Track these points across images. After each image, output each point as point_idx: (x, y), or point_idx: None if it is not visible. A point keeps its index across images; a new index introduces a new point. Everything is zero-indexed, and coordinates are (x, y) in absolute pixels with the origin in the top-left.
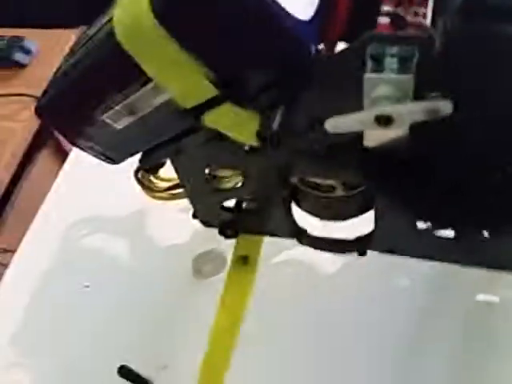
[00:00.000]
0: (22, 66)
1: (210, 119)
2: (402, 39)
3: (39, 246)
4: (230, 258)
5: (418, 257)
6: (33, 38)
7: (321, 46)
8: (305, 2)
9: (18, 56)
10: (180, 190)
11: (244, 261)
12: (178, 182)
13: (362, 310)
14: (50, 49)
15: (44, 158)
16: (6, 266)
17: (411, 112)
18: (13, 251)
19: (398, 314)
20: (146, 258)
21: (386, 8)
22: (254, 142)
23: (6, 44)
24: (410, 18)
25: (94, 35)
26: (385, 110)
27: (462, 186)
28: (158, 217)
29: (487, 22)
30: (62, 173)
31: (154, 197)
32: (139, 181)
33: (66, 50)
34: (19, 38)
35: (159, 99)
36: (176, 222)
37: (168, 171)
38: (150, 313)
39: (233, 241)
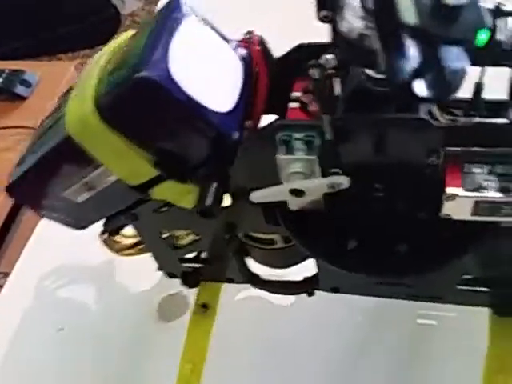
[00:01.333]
0: (23, 98)
1: (157, 193)
2: (304, 126)
3: (19, 291)
4: (192, 301)
5: (359, 294)
6: (32, 70)
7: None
8: (223, 97)
9: (19, 89)
10: (143, 247)
11: (204, 308)
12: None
13: (314, 339)
14: (49, 81)
15: None
16: None
17: (317, 187)
18: None
19: (342, 342)
20: (115, 303)
21: (295, 94)
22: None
23: (7, 77)
24: (311, 107)
25: (50, 127)
26: (296, 186)
27: (373, 236)
28: (127, 265)
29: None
30: (40, 224)
31: (122, 254)
32: (105, 242)
33: (65, 81)
34: (20, 71)
35: (112, 178)
36: (143, 270)
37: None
38: (119, 355)
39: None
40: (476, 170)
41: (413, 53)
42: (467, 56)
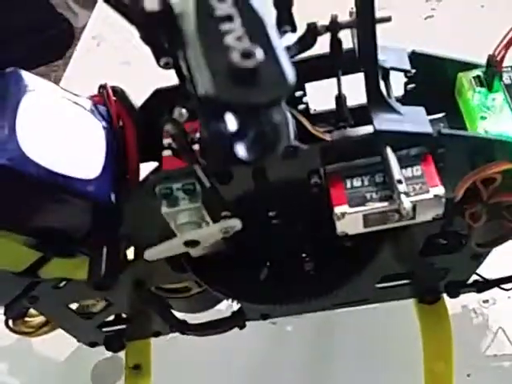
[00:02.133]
0: None
1: (46, 273)
2: (182, 175)
3: None
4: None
5: (289, 315)
6: None
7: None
8: (91, 161)
9: None
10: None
11: (137, 370)
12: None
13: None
14: None
15: None
16: None
17: (210, 234)
18: None
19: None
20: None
21: (166, 141)
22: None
23: None
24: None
25: None
26: (189, 237)
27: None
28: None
29: None
30: None
31: (35, 336)
32: (13, 330)
33: None
34: None
35: None
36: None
37: None
38: None
39: None
40: (357, 183)
41: (228, 119)
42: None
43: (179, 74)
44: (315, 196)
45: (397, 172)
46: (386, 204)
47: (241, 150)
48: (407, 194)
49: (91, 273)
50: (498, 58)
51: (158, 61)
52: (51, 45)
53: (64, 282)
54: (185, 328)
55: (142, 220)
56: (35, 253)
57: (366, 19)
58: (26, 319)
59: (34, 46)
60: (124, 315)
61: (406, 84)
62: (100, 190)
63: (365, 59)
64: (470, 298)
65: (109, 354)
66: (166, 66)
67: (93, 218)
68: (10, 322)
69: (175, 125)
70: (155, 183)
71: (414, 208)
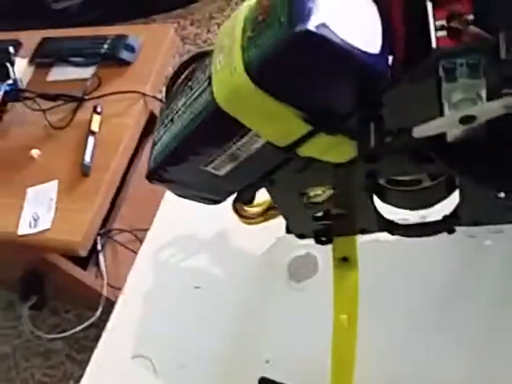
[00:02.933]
0: (128, 63)
1: (306, 150)
2: (467, 50)
3: (154, 252)
4: (320, 262)
5: (499, 223)
6: (135, 34)
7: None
8: (371, 38)
9: (124, 54)
10: (272, 212)
11: (345, 261)
12: (268, 205)
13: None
14: (151, 45)
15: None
16: None
17: (492, 110)
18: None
19: None
20: (247, 265)
21: (439, 23)
22: (346, 160)
23: (111, 43)
24: (464, 29)
25: (187, 103)
26: (469, 111)
27: None
28: (254, 230)
29: None
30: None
31: (250, 223)
32: (237, 212)
33: (166, 44)
34: (123, 37)
35: (258, 144)
36: (270, 234)
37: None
38: (250, 313)
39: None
40: None
41: None
42: None
43: None
44: None
45: None
46: None
47: None
48: None
49: (361, 144)
50: None
51: None
52: None
53: (306, 167)
54: (393, 227)
55: (411, 100)
56: (305, 127)
57: None
58: (247, 208)
59: None
60: (336, 211)
61: None
62: (381, 65)
63: None
64: None
65: (303, 252)
66: None
67: (366, 94)
68: (237, 205)
69: None
70: (440, 56)
71: None
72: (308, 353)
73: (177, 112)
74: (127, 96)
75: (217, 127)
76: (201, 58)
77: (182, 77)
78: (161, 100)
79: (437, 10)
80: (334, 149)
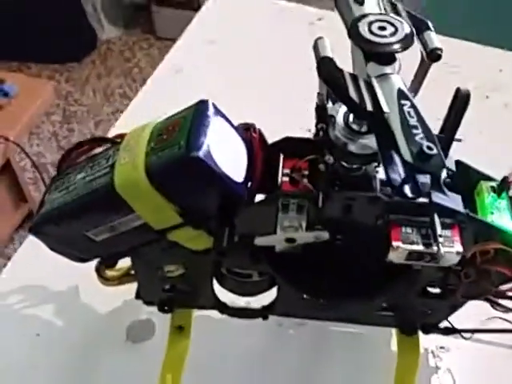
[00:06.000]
0: None
1: (174, 236)
2: (299, 195)
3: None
4: (157, 326)
5: (303, 317)
6: (13, 82)
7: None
8: (239, 169)
9: None
10: (127, 278)
11: (180, 330)
12: (125, 271)
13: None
14: (27, 95)
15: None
16: None
17: (306, 237)
18: None
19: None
20: (89, 321)
21: (285, 171)
22: (202, 249)
23: None
24: (300, 180)
25: (93, 179)
26: (292, 235)
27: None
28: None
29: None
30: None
31: (107, 284)
32: (98, 272)
33: (43, 98)
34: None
35: (137, 223)
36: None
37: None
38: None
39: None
40: (409, 230)
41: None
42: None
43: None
44: (376, 232)
45: (439, 229)
46: (425, 248)
47: (406, 189)
48: (442, 245)
49: (217, 242)
50: (510, 179)
51: (316, 126)
52: (72, 47)
53: (171, 247)
54: (223, 308)
55: (258, 217)
56: (178, 219)
57: None
58: (108, 271)
59: (57, 43)
60: (181, 287)
61: (445, 178)
62: (241, 190)
63: None
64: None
65: (144, 316)
66: (320, 130)
67: (227, 207)
68: (100, 266)
69: (325, 165)
70: (279, 195)
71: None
72: None
73: (74, 183)
74: None
75: (108, 204)
76: (99, 141)
77: (83, 157)
78: (22, 149)
79: (285, 161)
80: (195, 239)
